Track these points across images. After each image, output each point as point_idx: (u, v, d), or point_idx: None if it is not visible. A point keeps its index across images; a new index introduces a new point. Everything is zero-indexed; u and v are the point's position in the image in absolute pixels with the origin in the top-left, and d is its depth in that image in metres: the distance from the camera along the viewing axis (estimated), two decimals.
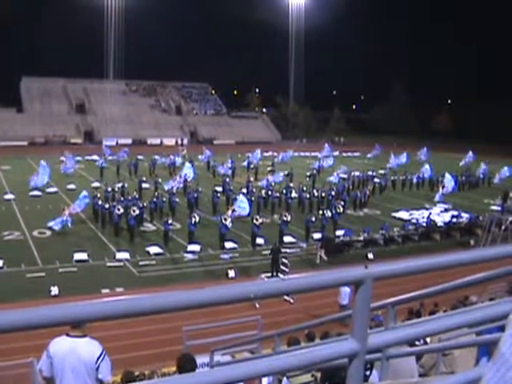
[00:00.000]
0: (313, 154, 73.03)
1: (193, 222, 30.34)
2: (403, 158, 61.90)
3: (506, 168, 54.92)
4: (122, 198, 36.30)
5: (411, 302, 8.76)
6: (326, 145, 64.89)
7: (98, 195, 35.24)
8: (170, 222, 30.93)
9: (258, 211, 35.96)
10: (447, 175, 45.92)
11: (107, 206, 33.58)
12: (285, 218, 31.94)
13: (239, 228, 32.75)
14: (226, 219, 30.50)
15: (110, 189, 38.31)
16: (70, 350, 5.50)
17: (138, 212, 31.86)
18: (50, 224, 31.71)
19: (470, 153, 65.99)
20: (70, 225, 31.93)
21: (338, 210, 35.29)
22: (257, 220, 30.88)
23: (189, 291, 1.53)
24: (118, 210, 31.75)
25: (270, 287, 1.69)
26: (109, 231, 31.94)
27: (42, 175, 43.77)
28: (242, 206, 32.71)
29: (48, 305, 1.54)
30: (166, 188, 40.39)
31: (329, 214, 33.93)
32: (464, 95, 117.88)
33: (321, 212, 34.30)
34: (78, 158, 60.38)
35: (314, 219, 32.64)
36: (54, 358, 5.56)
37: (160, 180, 42.92)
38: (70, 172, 50.32)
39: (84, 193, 34.51)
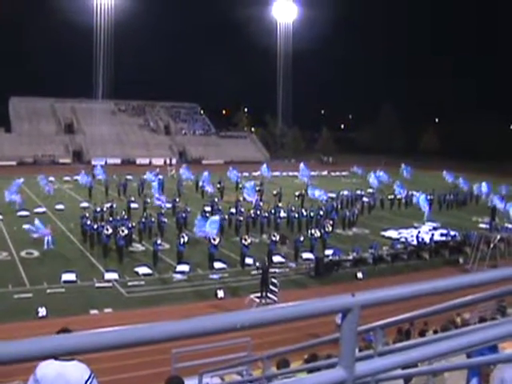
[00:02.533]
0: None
1: (181, 242, 30.23)
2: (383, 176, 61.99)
3: (484, 183, 55.24)
4: (110, 218, 36.14)
5: (401, 323, 8.72)
6: (302, 164, 65.13)
7: (87, 215, 35.14)
8: (159, 242, 30.84)
9: (248, 231, 35.96)
10: (421, 197, 46.33)
11: (96, 226, 33.45)
12: (273, 238, 31.93)
13: (228, 248, 32.71)
14: (215, 239, 30.48)
15: (98, 209, 38.21)
16: (58, 373, 5.43)
17: (126, 232, 31.75)
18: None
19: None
20: (52, 246, 31.66)
21: (327, 229, 35.34)
22: (245, 240, 30.83)
23: (175, 322, 1.52)
24: (107, 230, 31.58)
25: (257, 317, 1.69)
26: (97, 251, 31.76)
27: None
28: (213, 226, 32.57)
29: (35, 330, 1.53)
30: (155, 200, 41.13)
31: (318, 233, 33.95)
32: (451, 114, 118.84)
33: (310, 232, 34.32)
34: (67, 178, 60.49)
35: (302, 239, 32.69)
36: (41, 382, 5.49)
37: (149, 200, 42.94)
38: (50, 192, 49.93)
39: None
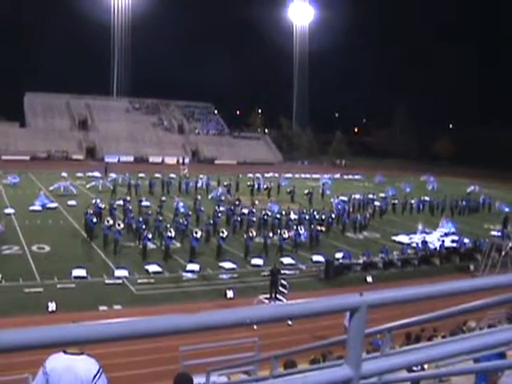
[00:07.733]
0: (314, 175, 73.51)
1: (195, 237, 30.92)
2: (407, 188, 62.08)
3: None
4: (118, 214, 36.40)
5: (408, 327, 8.69)
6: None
7: (90, 211, 35.02)
8: (171, 235, 31.19)
9: (260, 230, 36.30)
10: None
11: (95, 220, 34.13)
12: (270, 235, 33.40)
13: (238, 248, 32.83)
14: (223, 232, 31.86)
15: (102, 205, 38.37)
16: (67, 367, 5.45)
17: (123, 226, 32.62)
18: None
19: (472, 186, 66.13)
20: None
21: (300, 231, 35.56)
22: (251, 233, 32.61)
23: (185, 315, 1.54)
24: (107, 221, 32.29)
25: (266, 313, 1.71)
26: (108, 248, 31.82)
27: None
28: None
29: (45, 325, 1.56)
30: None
31: (286, 234, 34.06)
32: (465, 120, 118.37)
33: (279, 232, 34.77)
34: (79, 174, 60.96)
35: (286, 236, 33.60)
36: (50, 375, 5.50)
37: (163, 198, 43.21)
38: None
39: None
